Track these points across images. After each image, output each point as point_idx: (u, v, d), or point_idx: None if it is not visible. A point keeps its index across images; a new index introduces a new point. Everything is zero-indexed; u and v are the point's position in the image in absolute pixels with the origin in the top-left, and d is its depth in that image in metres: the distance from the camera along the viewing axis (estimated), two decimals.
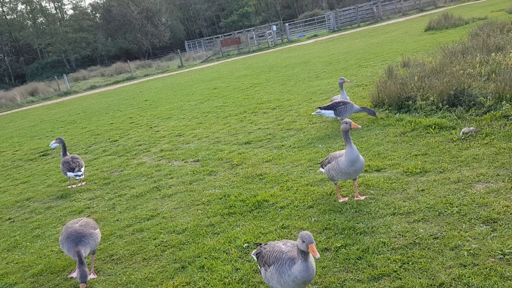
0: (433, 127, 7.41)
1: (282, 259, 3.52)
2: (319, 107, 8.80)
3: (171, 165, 8.95)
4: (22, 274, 5.42)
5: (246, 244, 5.01)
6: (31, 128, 19.61)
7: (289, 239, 4.93)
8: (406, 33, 25.38)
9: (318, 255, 3.19)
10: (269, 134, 9.57)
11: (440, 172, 5.80)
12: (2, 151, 14.99)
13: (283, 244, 3.67)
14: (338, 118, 8.67)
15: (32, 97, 38.61)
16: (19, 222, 7.44)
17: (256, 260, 3.91)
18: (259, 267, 3.81)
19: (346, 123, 5.16)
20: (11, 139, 17.41)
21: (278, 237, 5.01)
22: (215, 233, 5.48)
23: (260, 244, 3.96)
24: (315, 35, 45.99)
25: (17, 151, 14.40)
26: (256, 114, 12.01)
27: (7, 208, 8.35)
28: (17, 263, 5.78)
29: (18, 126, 21.60)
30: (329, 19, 48.00)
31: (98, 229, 5.23)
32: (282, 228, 5.22)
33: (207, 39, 61.93)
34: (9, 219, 7.70)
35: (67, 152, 8.81)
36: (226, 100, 15.68)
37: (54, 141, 9.09)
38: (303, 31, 54.87)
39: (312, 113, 9.22)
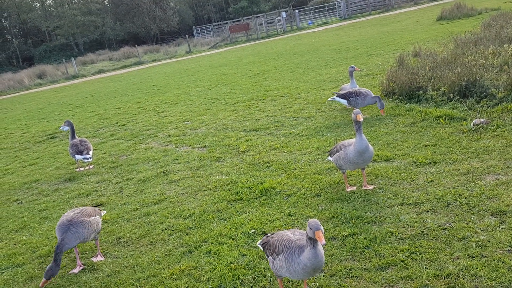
0: (443, 118, 7.34)
1: (291, 247, 3.52)
2: (336, 94, 8.74)
3: (178, 150, 8.95)
4: (30, 255, 5.47)
5: (252, 231, 5.01)
6: (39, 110, 19.68)
7: (296, 226, 4.93)
8: (418, 22, 25.06)
9: (323, 241, 3.19)
10: (277, 121, 9.53)
11: (450, 163, 5.76)
12: (10, 133, 15.07)
13: (292, 233, 3.67)
14: (349, 106, 8.60)
15: (40, 79, 38.71)
16: (27, 203, 7.50)
17: (262, 249, 3.91)
18: (267, 256, 3.81)
19: (354, 113, 5.13)
20: (19, 121, 17.50)
21: (285, 225, 5.01)
22: (221, 219, 5.48)
23: (266, 234, 3.96)
24: (325, 23, 45.57)
25: (25, 133, 14.47)
26: (264, 101, 11.96)
27: (15, 189, 8.42)
28: (24, 244, 5.83)
29: (26, 108, 21.69)
30: (340, 7, 47.48)
31: (98, 216, 5.06)
32: (289, 215, 5.22)
33: (216, 25, 61.55)
34: (17, 200, 7.76)
35: (75, 135, 8.83)
36: (234, 86, 15.63)
37: (63, 124, 9.11)
38: (313, 18, 54.36)
39: (328, 99, 9.23)
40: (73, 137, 8.77)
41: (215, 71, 21.81)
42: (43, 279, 4.42)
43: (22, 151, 11.76)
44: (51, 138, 12.90)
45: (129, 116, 13.89)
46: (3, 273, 5.14)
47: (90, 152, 8.51)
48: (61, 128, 9.10)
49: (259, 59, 23.44)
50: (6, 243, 5.97)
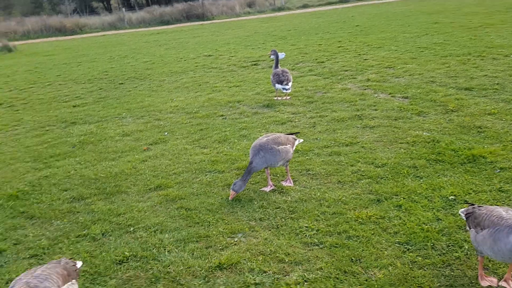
0: None
1: (501, 225, 3.10)
2: None
3: (376, 96, 8.58)
4: (229, 165, 6.00)
5: (452, 197, 4.54)
6: (246, 37, 21.06)
7: (507, 205, 4.29)
8: None
9: None
10: (497, 83, 8.29)
11: None
12: (220, 54, 16.53)
13: (505, 211, 3.22)
14: None
15: (249, 8, 41.16)
16: (229, 120, 8.19)
17: (464, 219, 3.51)
18: (468, 228, 3.44)
19: None
20: (228, 45, 19.03)
21: (493, 200, 4.40)
22: (417, 176, 5.11)
23: (473, 204, 3.53)
24: None
25: (232, 56, 15.70)
26: (484, 58, 10.49)
27: (221, 106, 9.25)
28: (225, 154, 6.41)
29: (235, 34, 23.43)
30: None
31: (289, 145, 5.17)
32: (499, 191, 4.56)
33: None
34: (222, 115, 8.53)
35: (278, 65, 9.14)
36: (447, 37, 14.09)
37: (270, 53, 9.50)
38: None
39: None
40: (276, 66, 9.09)
41: (427, 18, 19.99)
42: (232, 192, 4.90)
43: (229, 73, 12.80)
44: (254, 64, 13.73)
45: (329, 54, 13.81)
46: (206, 175, 5.77)
47: (290, 84, 8.76)
48: (271, 57, 9.49)
49: (483, 10, 20.56)
50: (210, 151, 6.67)
